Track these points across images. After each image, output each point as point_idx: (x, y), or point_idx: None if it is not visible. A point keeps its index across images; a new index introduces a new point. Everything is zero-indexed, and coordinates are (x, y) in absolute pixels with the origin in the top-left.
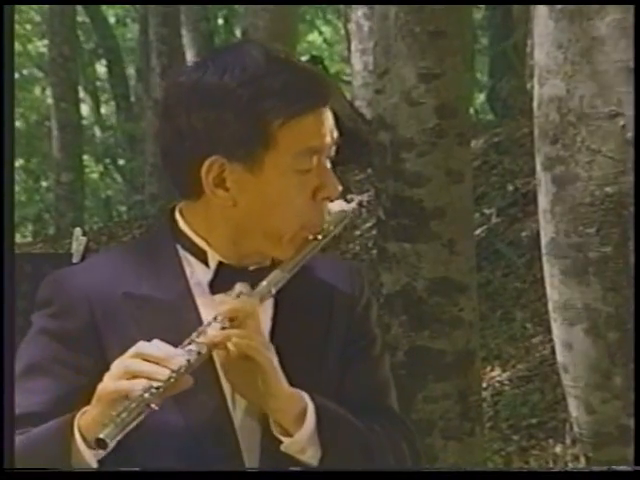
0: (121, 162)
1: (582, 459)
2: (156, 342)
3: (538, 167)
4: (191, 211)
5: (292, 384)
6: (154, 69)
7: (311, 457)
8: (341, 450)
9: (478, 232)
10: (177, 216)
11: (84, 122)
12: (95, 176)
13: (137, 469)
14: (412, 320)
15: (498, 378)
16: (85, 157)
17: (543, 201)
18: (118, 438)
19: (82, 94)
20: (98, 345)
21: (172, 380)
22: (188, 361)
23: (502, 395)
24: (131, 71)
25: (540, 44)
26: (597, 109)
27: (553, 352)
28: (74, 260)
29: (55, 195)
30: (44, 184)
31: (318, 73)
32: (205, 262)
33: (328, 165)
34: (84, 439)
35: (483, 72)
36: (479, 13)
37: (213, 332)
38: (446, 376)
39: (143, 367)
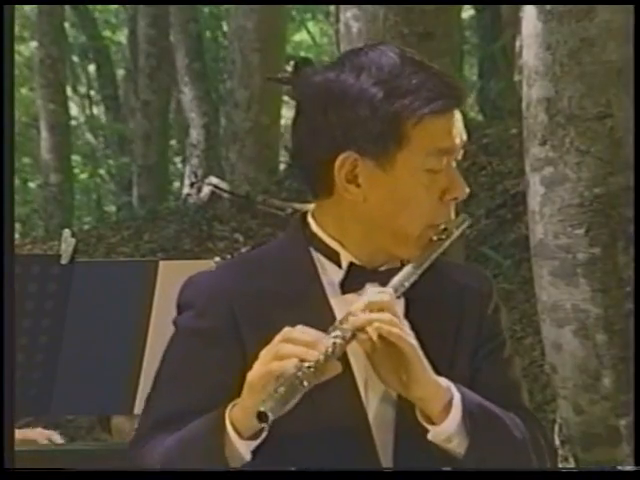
0: (110, 163)
1: (571, 459)
2: (301, 327)
3: (527, 168)
4: (322, 212)
5: None
6: (143, 70)
7: (458, 446)
8: (487, 439)
9: (467, 233)
10: (309, 219)
11: (73, 123)
12: (84, 177)
13: (155, 469)
14: None
15: None
16: (74, 158)
17: (532, 202)
18: (279, 414)
19: (71, 95)
20: (239, 343)
21: (321, 361)
22: (334, 344)
23: None
24: (120, 72)
25: (529, 45)
26: (586, 110)
27: (542, 353)
28: (62, 261)
29: (44, 196)
30: (32, 185)
31: (451, 76)
32: (337, 263)
33: (455, 167)
34: (237, 431)
35: (472, 73)
36: (467, 13)
37: (356, 317)
38: None
39: (293, 349)
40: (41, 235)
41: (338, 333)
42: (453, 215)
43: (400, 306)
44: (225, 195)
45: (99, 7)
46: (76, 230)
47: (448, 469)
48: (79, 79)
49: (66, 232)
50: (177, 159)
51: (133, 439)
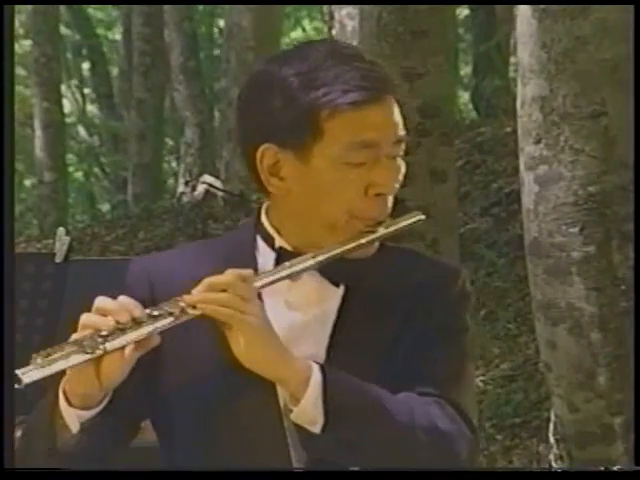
0: (104, 161)
1: (566, 458)
2: (121, 297)
3: (521, 166)
4: (270, 203)
5: (354, 374)
6: (137, 68)
7: (317, 427)
8: (351, 418)
9: (461, 231)
10: (262, 210)
11: (67, 121)
12: (78, 176)
13: (139, 469)
14: None
15: (481, 377)
16: (68, 156)
17: (526, 201)
18: (35, 378)
19: (65, 93)
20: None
21: (128, 331)
22: (152, 316)
23: (485, 394)
24: (114, 70)
25: (523, 43)
26: (580, 108)
27: (537, 351)
28: (57, 260)
29: (38, 194)
30: (26, 183)
31: (376, 69)
32: (273, 248)
33: (390, 161)
34: (67, 400)
35: (466, 71)
36: (462, 12)
37: (190, 296)
38: None
39: (90, 318)
40: (35, 233)
41: (166, 308)
42: (386, 209)
43: (338, 295)
44: (219, 194)
45: (93, 5)
46: (70, 228)
47: (447, 469)
48: (73, 77)
49: (60, 230)
50: (171, 157)
51: None
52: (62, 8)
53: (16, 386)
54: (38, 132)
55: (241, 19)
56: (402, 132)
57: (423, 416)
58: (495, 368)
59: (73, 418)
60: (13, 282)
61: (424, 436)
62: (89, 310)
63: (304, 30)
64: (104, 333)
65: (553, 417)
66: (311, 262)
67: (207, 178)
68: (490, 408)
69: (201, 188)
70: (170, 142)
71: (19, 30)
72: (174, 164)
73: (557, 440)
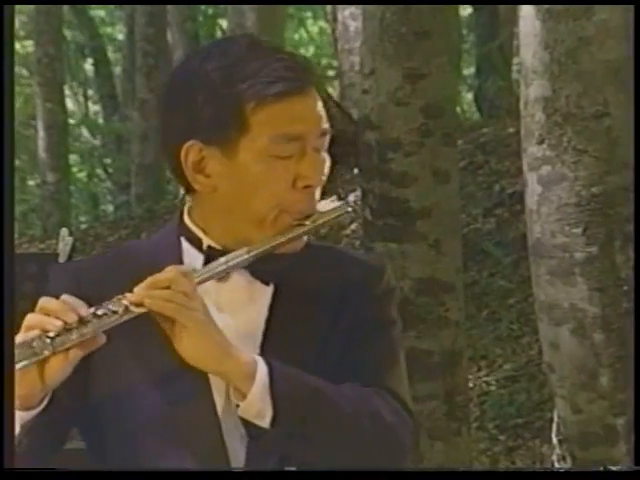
0: (107, 162)
1: (568, 459)
2: (65, 296)
3: (524, 167)
4: (192, 204)
5: (288, 365)
6: (140, 69)
7: (266, 421)
8: (297, 411)
9: (464, 232)
10: (185, 211)
11: (70, 122)
12: (81, 176)
13: (137, 469)
14: None
15: (484, 378)
16: (71, 157)
17: (529, 201)
18: None
19: (68, 94)
20: None
21: (74, 332)
22: (97, 316)
23: (488, 395)
24: (117, 71)
25: (526, 44)
26: (583, 109)
27: (539, 352)
28: (60, 260)
29: (41, 195)
30: (30, 183)
31: (298, 61)
32: (200, 249)
33: (316, 154)
34: None
35: (470, 72)
36: (465, 12)
37: (133, 294)
38: (432, 376)
39: (35, 319)
40: (38, 234)
41: (110, 307)
42: (315, 203)
43: (268, 293)
44: None
45: (97, 5)
46: (73, 229)
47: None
48: (76, 78)
49: (63, 231)
50: None
51: None
52: (65, 8)
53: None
54: (41, 133)
55: (244, 19)
56: (326, 125)
57: (367, 405)
58: (498, 369)
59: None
60: (13, 282)
61: (369, 425)
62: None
63: (307, 32)
64: (51, 334)
65: (556, 418)
66: (246, 256)
67: None
68: (493, 409)
69: None
70: None
71: (22, 31)
72: None
73: (560, 441)
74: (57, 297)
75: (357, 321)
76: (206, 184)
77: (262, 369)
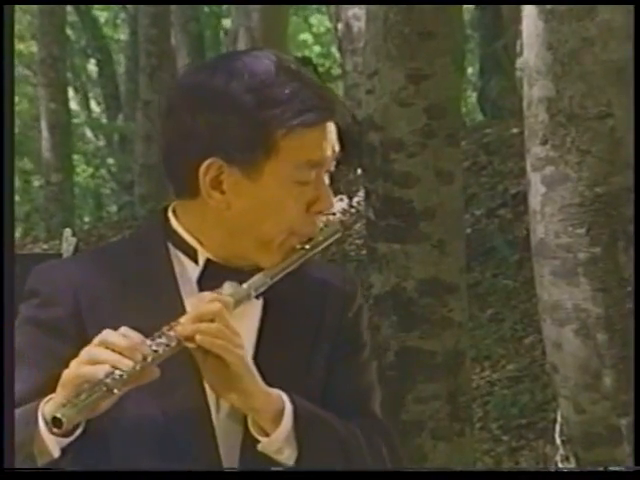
0: (111, 162)
1: (572, 459)
2: (124, 330)
3: (528, 168)
4: (184, 210)
5: (278, 386)
6: (144, 70)
7: (288, 458)
8: (318, 452)
9: (468, 232)
10: (170, 215)
11: (74, 122)
12: (85, 177)
13: (133, 469)
14: (402, 321)
15: (488, 379)
16: (75, 158)
17: (533, 202)
18: (76, 420)
19: (72, 94)
20: (82, 336)
21: (137, 369)
22: (155, 352)
23: (492, 395)
24: (121, 71)
25: (530, 45)
26: (587, 110)
27: (543, 352)
28: None
29: (45, 195)
30: (35, 184)
31: (326, 87)
32: (195, 260)
33: (326, 179)
34: (47, 425)
35: (473, 72)
36: (469, 13)
37: (183, 327)
38: (436, 377)
39: (106, 355)
40: (42, 234)
41: (162, 340)
42: (319, 226)
43: (258, 307)
44: None
45: (100, 6)
46: (77, 229)
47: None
48: (80, 79)
49: (67, 231)
50: None
51: None
52: (68, 9)
53: (55, 430)
54: (45, 133)
55: (247, 20)
56: (337, 149)
57: (362, 438)
58: (501, 369)
59: (54, 445)
60: (13, 282)
61: (368, 456)
62: None
63: (312, 33)
64: (120, 372)
65: (559, 418)
66: (269, 281)
67: None
68: (496, 409)
69: None
70: None
71: (26, 31)
72: None
73: (563, 441)
74: (54, 301)
75: (340, 337)
76: (221, 200)
77: (288, 409)
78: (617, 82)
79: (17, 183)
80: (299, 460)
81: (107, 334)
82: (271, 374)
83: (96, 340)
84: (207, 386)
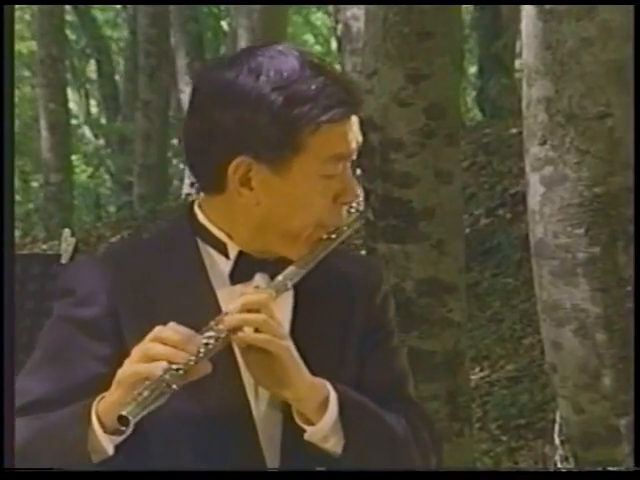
0: (110, 162)
1: (571, 459)
2: (173, 325)
3: (527, 168)
4: (211, 205)
5: (312, 375)
6: (143, 70)
7: (334, 445)
8: (364, 438)
9: (467, 233)
10: (197, 210)
11: (73, 122)
12: (84, 177)
13: (140, 470)
14: (401, 321)
15: (487, 379)
16: (74, 158)
17: (532, 202)
18: (139, 417)
19: (71, 94)
20: (117, 333)
21: (192, 363)
22: (206, 345)
23: (491, 396)
24: (120, 72)
25: (529, 45)
26: (586, 110)
27: (542, 352)
28: (63, 261)
29: (44, 195)
30: (34, 184)
31: (351, 81)
32: (225, 254)
33: (350, 170)
34: (102, 424)
35: (472, 72)
36: (468, 13)
37: (230, 318)
38: (435, 377)
39: (162, 350)
40: (41, 234)
41: (212, 334)
42: (344, 217)
43: (289, 299)
44: None
45: (99, 6)
46: (76, 229)
47: (440, 470)
48: (79, 79)
49: (66, 232)
50: (177, 159)
51: None
52: (67, 9)
53: (122, 428)
54: (44, 133)
55: (247, 20)
56: (360, 140)
57: (405, 424)
58: (500, 369)
59: (107, 442)
60: (13, 282)
61: (412, 442)
62: None
63: (313, 34)
64: (177, 366)
65: (558, 418)
66: (302, 272)
67: None
68: (495, 409)
69: None
70: (176, 143)
71: (25, 31)
72: (180, 165)
73: (562, 441)
74: (91, 300)
75: (369, 326)
76: (250, 197)
77: (333, 397)
78: (616, 82)
79: (16, 183)
80: (347, 447)
81: (160, 330)
82: (306, 365)
83: (150, 336)
84: (245, 379)
